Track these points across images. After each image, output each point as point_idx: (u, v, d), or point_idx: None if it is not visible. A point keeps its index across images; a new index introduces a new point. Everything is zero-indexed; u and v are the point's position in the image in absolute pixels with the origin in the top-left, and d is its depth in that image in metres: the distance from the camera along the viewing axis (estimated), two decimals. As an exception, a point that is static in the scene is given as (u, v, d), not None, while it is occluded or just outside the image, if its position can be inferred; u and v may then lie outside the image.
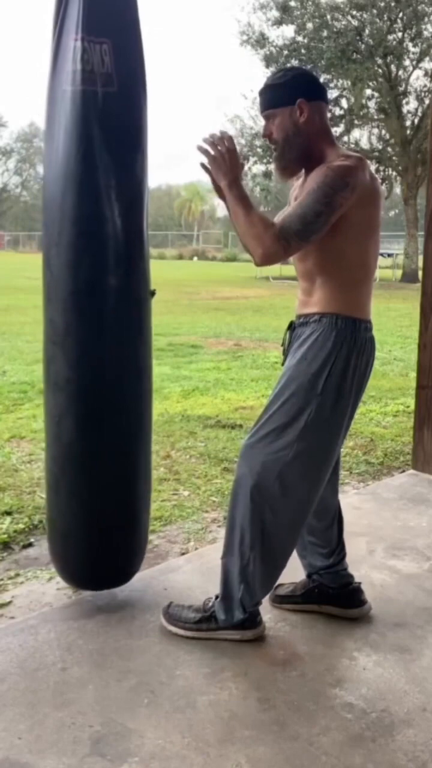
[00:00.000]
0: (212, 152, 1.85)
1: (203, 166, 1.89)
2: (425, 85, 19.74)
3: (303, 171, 1.99)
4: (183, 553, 2.63)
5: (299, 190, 2.00)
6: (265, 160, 20.75)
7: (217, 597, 2.01)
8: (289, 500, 1.89)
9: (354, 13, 18.83)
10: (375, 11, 18.33)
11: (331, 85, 19.69)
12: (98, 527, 2.08)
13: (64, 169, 1.91)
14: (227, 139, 1.86)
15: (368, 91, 20.31)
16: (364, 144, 21.68)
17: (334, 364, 1.85)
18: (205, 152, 1.86)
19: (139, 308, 2.02)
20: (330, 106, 19.24)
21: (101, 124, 1.88)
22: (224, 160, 1.84)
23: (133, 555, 2.18)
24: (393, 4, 18.06)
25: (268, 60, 19.67)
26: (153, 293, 2.07)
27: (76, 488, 2.06)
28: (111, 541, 2.10)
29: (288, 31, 19.88)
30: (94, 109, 1.87)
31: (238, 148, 1.88)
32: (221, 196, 1.92)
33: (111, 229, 1.92)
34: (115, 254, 1.94)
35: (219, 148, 1.84)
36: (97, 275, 1.95)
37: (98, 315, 1.97)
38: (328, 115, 2.04)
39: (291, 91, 1.93)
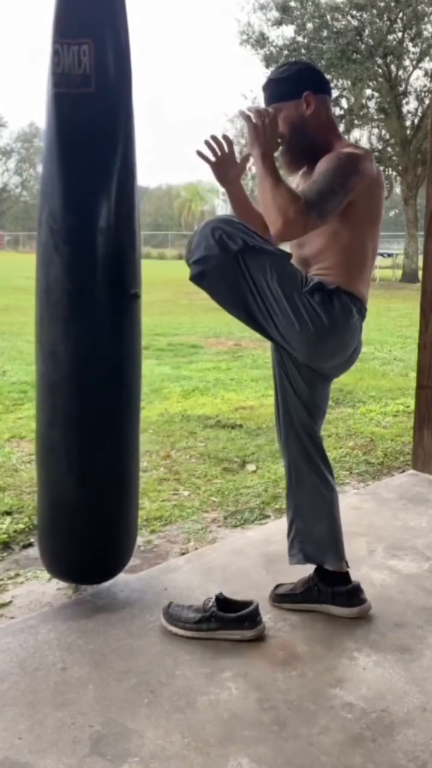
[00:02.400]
0: (255, 120, 1.85)
1: (202, 154, 1.92)
2: (425, 85, 19.74)
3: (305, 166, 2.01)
4: (183, 553, 2.63)
5: (301, 180, 2.00)
6: (265, 160, 20.72)
7: (217, 597, 2.01)
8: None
9: (354, 13, 18.81)
10: (375, 11, 18.32)
11: (331, 85, 19.63)
12: (65, 523, 2.12)
13: (45, 169, 1.98)
14: (271, 114, 1.86)
15: (368, 91, 20.29)
16: (364, 144, 21.67)
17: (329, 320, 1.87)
18: (247, 118, 1.86)
19: (113, 310, 2.00)
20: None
21: (75, 125, 1.90)
22: (265, 129, 1.84)
23: (107, 551, 2.18)
24: (393, 4, 18.05)
25: (268, 60, 19.66)
26: (135, 295, 2.04)
27: (47, 482, 2.13)
28: (82, 537, 2.13)
29: (288, 31, 19.90)
30: (67, 111, 1.90)
31: (238, 148, 1.90)
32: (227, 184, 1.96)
33: (82, 229, 1.93)
34: (86, 255, 1.95)
35: (263, 118, 1.84)
36: (66, 275, 1.96)
37: (66, 314, 1.98)
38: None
39: (297, 84, 1.94)
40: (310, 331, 1.88)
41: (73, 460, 2.07)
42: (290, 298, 1.86)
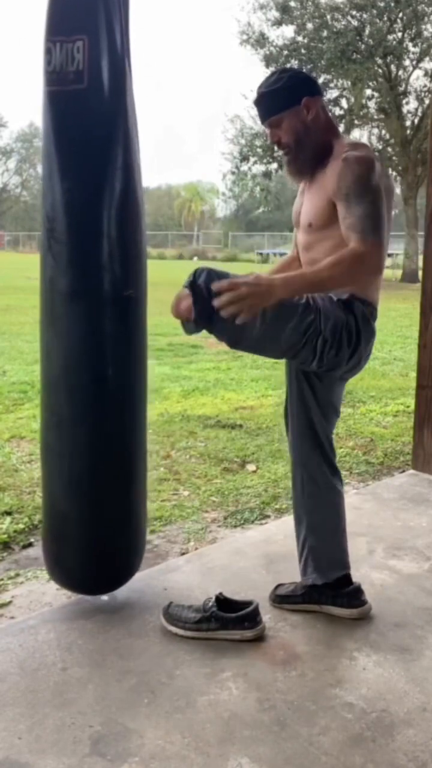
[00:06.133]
0: (238, 295, 1.66)
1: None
2: (425, 85, 19.75)
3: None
4: (183, 553, 2.63)
5: (311, 184, 1.99)
6: (265, 160, 20.75)
7: (217, 597, 2.01)
8: None
9: (354, 13, 18.81)
10: (375, 11, 18.31)
11: (331, 85, 19.69)
12: (59, 529, 2.10)
13: (42, 169, 1.98)
14: (229, 284, 1.68)
15: (368, 91, 20.31)
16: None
17: (343, 329, 1.86)
18: (234, 302, 1.66)
19: (105, 312, 1.97)
20: (330, 106, 19.19)
21: (69, 122, 1.90)
22: (253, 290, 1.66)
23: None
24: (393, 4, 18.04)
25: (268, 60, 19.66)
26: (129, 297, 1.99)
27: (44, 485, 2.13)
28: (77, 546, 2.09)
29: (288, 31, 19.90)
30: (60, 109, 1.90)
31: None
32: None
33: (74, 229, 1.92)
34: (79, 255, 1.94)
35: (240, 290, 1.65)
36: (58, 275, 1.96)
37: (59, 314, 1.98)
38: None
39: (293, 91, 1.92)
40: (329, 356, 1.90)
41: (64, 463, 2.04)
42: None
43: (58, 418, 2.03)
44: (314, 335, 1.84)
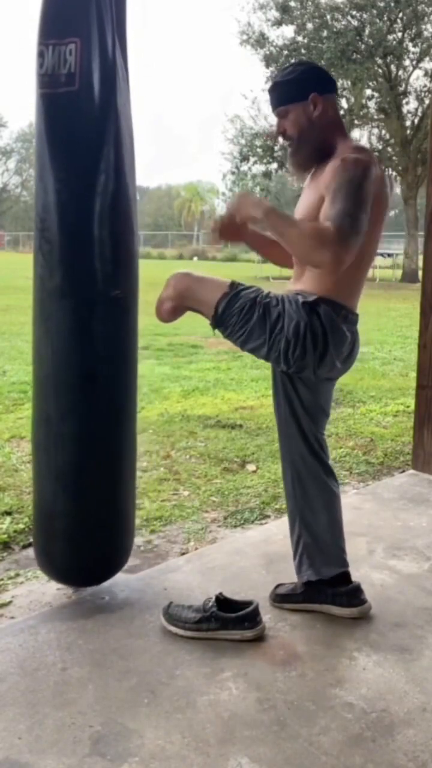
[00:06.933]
0: (234, 205, 1.90)
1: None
2: (425, 85, 19.74)
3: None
4: (183, 553, 2.63)
5: (310, 182, 2.00)
6: (265, 160, 20.75)
7: (217, 597, 2.01)
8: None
9: (354, 13, 18.82)
10: (375, 11, 18.32)
11: (332, 84, 19.67)
12: (47, 524, 2.13)
13: (35, 171, 2.00)
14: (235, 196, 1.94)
15: (368, 91, 20.32)
16: (364, 144, 21.65)
17: (305, 337, 1.89)
18: (229, 213, 1.92)
19: (93, 311, 1.97)
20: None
21: (60, 124, 1.91)
22: (246, 199, 1.88)
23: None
24: (393, 4, 18.05)
25: (268, 60, 19.67)
26: (117, 297, 1.99)
27: (34, 482, 2.16)
28: (64, 539, 2.11)
29: (288, 31, 19.91)
30: (52, 111, 1.91)
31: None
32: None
33: (63, 229, 1.93)
34: (67, 255, 1.95)
35: (237, 200, 1.90)
36: (47, 274, 1.97)
37: (48, 313, 1.99)
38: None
39: (303, 85, 1.93)
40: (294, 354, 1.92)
41: (51, 459, 2.06)
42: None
43: (47, 415, 2.04)
44: (279, 335, 1.89)
